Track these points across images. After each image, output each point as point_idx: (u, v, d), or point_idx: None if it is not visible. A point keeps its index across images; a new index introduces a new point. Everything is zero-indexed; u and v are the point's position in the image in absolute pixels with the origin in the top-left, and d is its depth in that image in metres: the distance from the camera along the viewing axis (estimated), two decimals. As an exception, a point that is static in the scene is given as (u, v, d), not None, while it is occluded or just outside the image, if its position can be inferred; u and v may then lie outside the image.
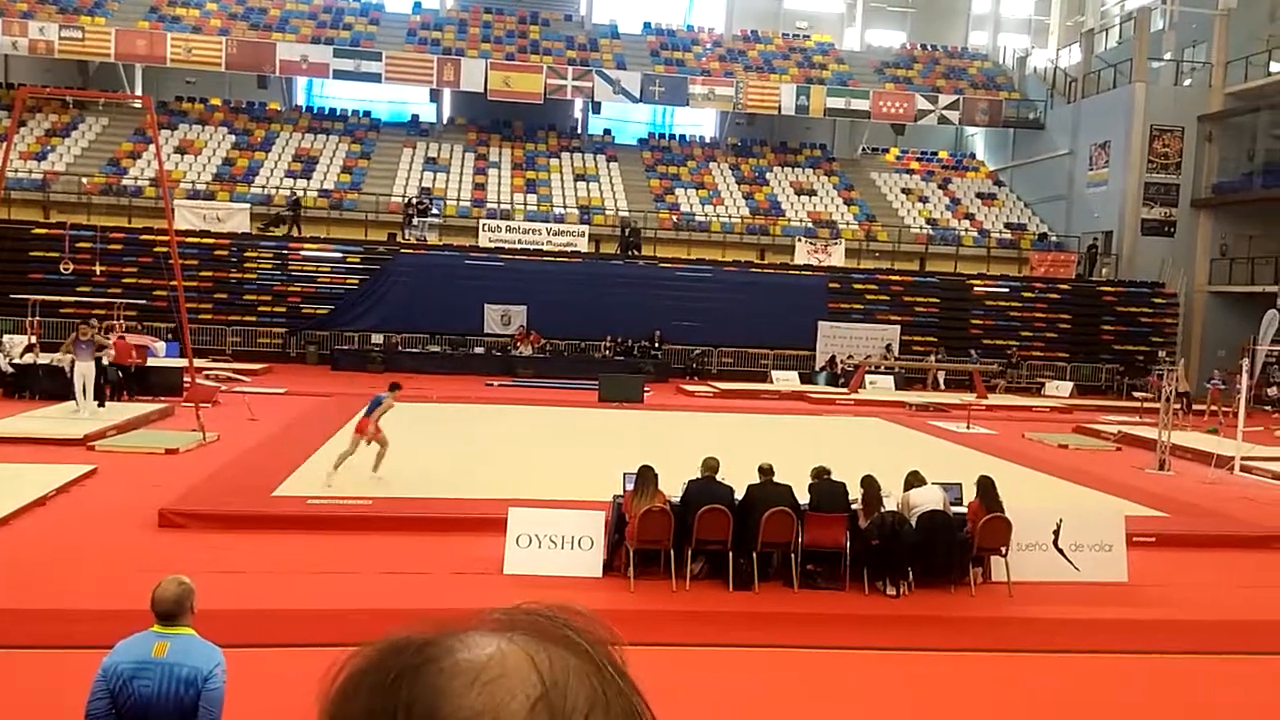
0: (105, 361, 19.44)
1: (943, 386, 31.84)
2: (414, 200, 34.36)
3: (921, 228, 38.04)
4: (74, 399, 17.75)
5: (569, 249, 33.71)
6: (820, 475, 10.28)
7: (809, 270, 34.38)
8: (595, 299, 31.93)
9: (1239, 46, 35.74)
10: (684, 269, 33.81)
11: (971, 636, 8.97)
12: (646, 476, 9.67)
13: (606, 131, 42.83)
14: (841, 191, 39.93)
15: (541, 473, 14.57)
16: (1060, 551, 10.47)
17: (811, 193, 39.58)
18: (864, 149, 43.05)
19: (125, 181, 33.88)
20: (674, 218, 36.60)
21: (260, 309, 31.59)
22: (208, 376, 23.53)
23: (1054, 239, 38.16)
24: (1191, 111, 35.97)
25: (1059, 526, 10.52)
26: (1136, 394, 29.99)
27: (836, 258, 34.97)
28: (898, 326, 33.64)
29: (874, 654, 8.57)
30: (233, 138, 38.02)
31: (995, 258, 37.21)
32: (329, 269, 32.28)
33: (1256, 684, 8.35)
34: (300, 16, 41.04)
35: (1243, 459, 18.03)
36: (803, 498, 10.02)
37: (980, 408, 25.63)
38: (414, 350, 31.17)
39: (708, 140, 43.64)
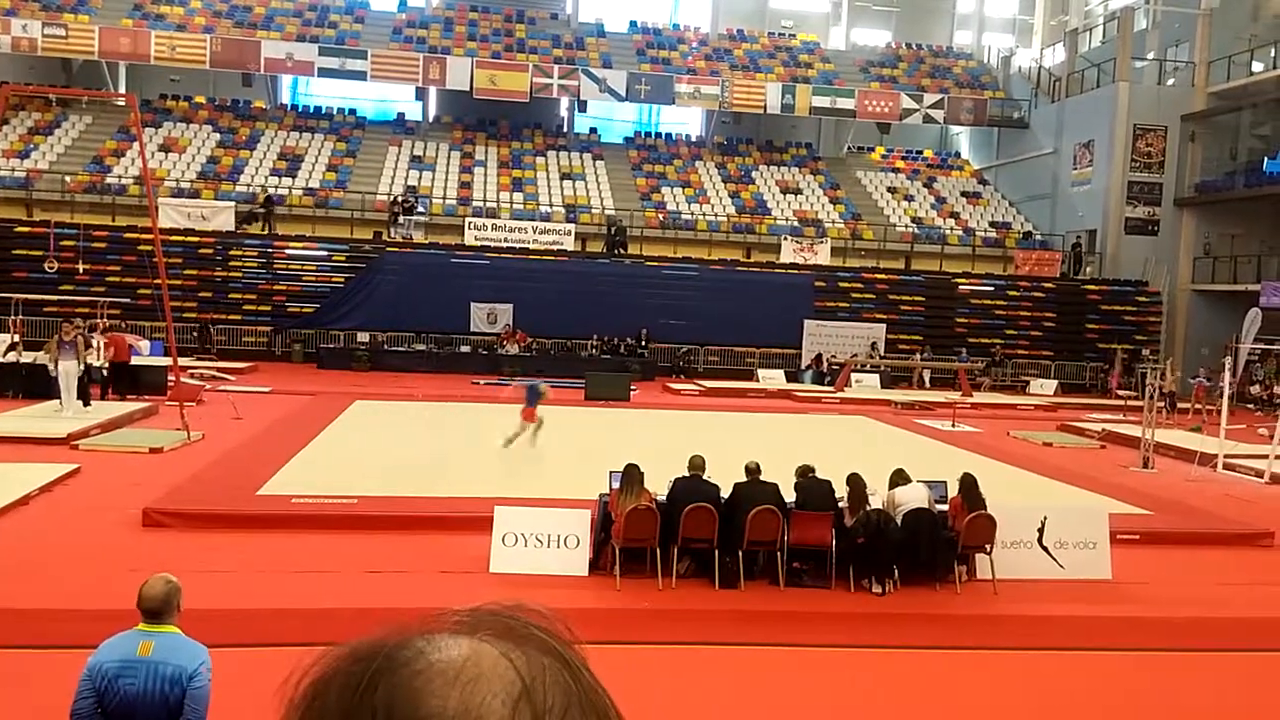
0: (94, 361, 19.35)
1: (928, 385, 31.93)
2: (400, 199, 34.29)
3: (907, 226, 38.14)
4: (58, 398, 17.65)
5: (555, 247, 33.68)
6: (806, 474, 10.30)
7: (795, 269, 34.44)
8: (581, 297, 31.91)
9: (1222, 46, 35.93)
10: (670, 267, 33.83)
11: (957, 634, 9.00)
12: (632, 475, 9.68)
13: (592, 130, 42.81)
14: (827, 190, 40.01)
15: (527, 471, 14.57)
16: (1045, 549, 10.52)
17: (797, 191, 39.65)
18: (849, 148, 43.14)
19: (109, 180, 33.71)
20: (660, 216, 36.61)
21: (245, 307, 31.47)
22: (192, 375, 23.44)
23: (1038, 237, 38.31)
24: (1174, 111, 36.15)
25: (1043, 524, 10.57)
26: (1120, 392, 30.14)
27: (822, 256, 35.04)
28: (883, 325, 33.72)
29: (860, 652, 8.60)
30: (217, 136, 37.87)
31: (980, 256, 37.33)
32: (314, 267, 32.17)
33: (1239, 680, 8.41)
34: (285, 14, 40.89)
35: (1226, 457, 18.14)
36: (789, 496, 10.05)
37: (965, 406, 25.73)
38: (400, 349, 31.11)
39: (694, 139, 43.66)
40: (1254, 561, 12.00)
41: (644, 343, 32.40)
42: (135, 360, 22.29)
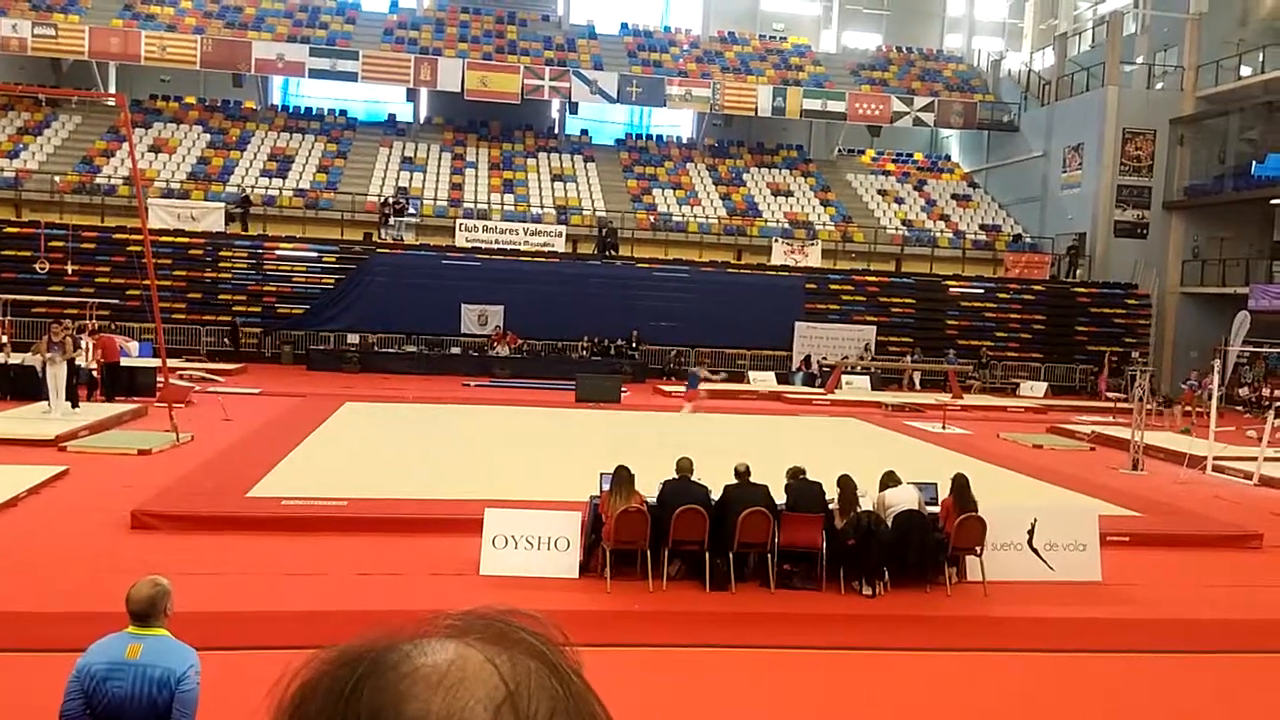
0: (84, 363, 19.28)
1: (918, 387, 31.99)
2: (390, 200, 34.25)
3: (897, 229, 38.21)
4: (46, 399, 17.58)
5: (546, 249, 33.67)
6: (796, 475, 10.31)
7: (786, 271, 34.47)
8: (572, 299, 31.90)
9: (1210, 50, 36.07)
10: (661, 269, 33.83)
11: (947, 636, 9.01)
12: (622, 477, 9.68)
13: (584, 132, 42.81)
14: (818, 192, 40.06)
15: (518, 473, 14.54)
16: (1035, 551, 10.54)
17: (788, 194, 39.69)
18: (840, 150, 43.23)
19: (99, 180, 33.59)
20: (651, 218, 36.62)
21: (235, 308, 31.39)
22: (181, 377, 23.37)
23: (1028, 240, 38.41)
24: (1163, 114, 36.29)
25: (1033, 526, 10.58)
26: (1109, 395, 30.24)
27: (813, 258, 35.09)
28: (874, 327, 33.77)
29: (850, 654, 8.60)
30: (207, 136, 37.78)
31: (970, 259, 37.42)
32: (304, 269, 32.10)
33: (1228, 682, 8.43)
34: (276, 15, 40.81)
35: (1215, 459, 18.20)
36: (779, 498, 10.05)
37: (955, 408, 25.78)
38: (390, 350, 31.05)
39: (685, 141, 43.69)
40: (1243, 563, 12.04)
41: (635, 345, 32.40)
42: (124, 361, 22.23)
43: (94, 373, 20.56)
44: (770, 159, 42.20)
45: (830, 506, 10.15)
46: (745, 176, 40.49)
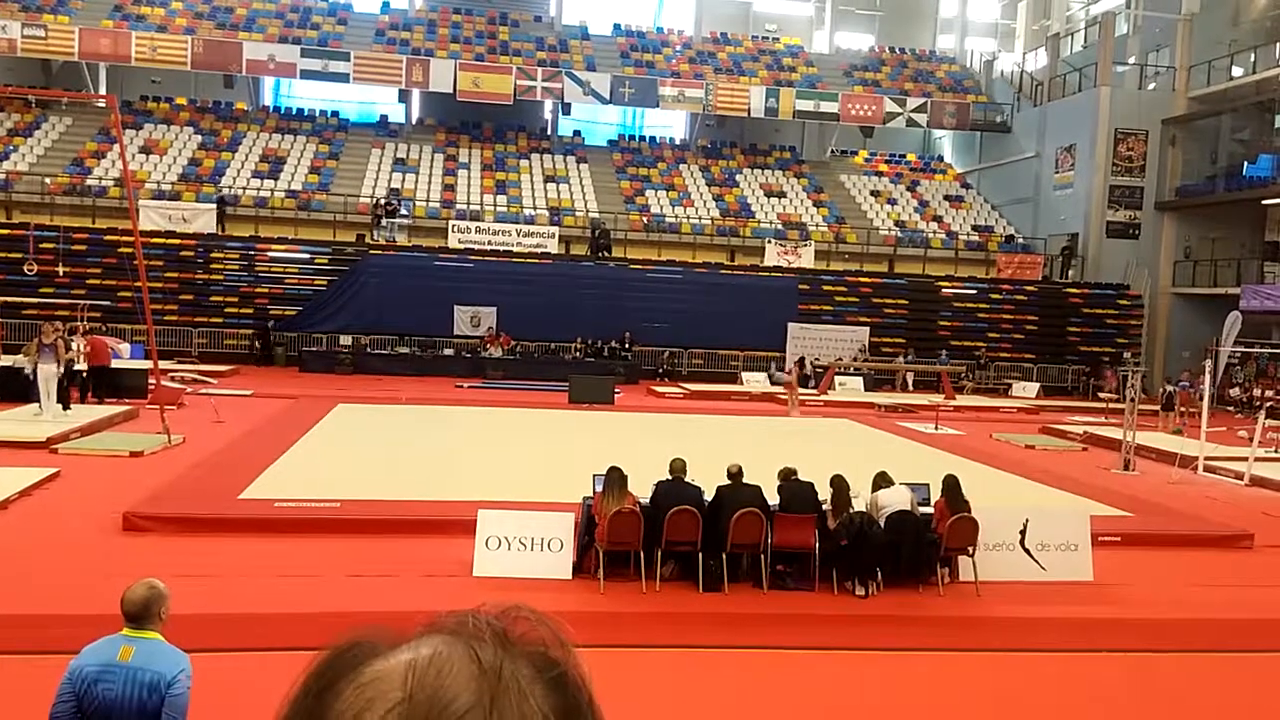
0: (74, 366, 19.20)
1: (911, 387, 32.03)
2: (383, 201, 34.20)
3: (890, 230, 38.26)
4: (36, 401, 17.52)
5: (539, 250, 33.65)
6: (789, 476, 10.30)
7: (779, 272, 34.50)
8: (565, 300, 31.89)
9: (1202, 51, 36.18)
10: (654, 270, 33.84)
11: (939, 636, 9.02)
12: (615, 478, 9.67)
13: (576, 133, 42.80)
14: (811, 193, 40.10)
15: (511, 474, 14.52)
16: (1027, 551, 10.55)
17: (781, 194, 39.72)
18: (833, 151, 43.26)
19: (89, 182, 33.50)
20: (644, 219, 36.62)
21: (227, 310, 31.33)
22: (172, 378, 23.30)
23: (1021, 241, 38.48)
24: (1155, 115, 36.38)
25: (1025, 526, 10.60)
26: (1101, 395, 30.29)
27: (806, 259, 35.13)
28: (867, 328, 33.81)
29: (843, 654, 8.61)
30: (199, 138, 37.69)
31: (963, 259, 37.49)
32: (297, 270, 32.06)
33: (1219, 681, 8.46)
34: (267, 16, 40.75)
35: (1206, 459, 18.25)
36: (772, 499, 10.05)
37: (948, 409, 25.81)
38: (383, 352, 31.00)
39: (677, 142, 43.69)
40: (1234, 563, 12.08)
41: (628, 346, 32.39)
42: (115, 363, 22.15)
43: (84, 374, 20.49)
44: (763, 160, 42.23)
45: (823, 507, 10.16)
46: (738, 177, 40.51)
